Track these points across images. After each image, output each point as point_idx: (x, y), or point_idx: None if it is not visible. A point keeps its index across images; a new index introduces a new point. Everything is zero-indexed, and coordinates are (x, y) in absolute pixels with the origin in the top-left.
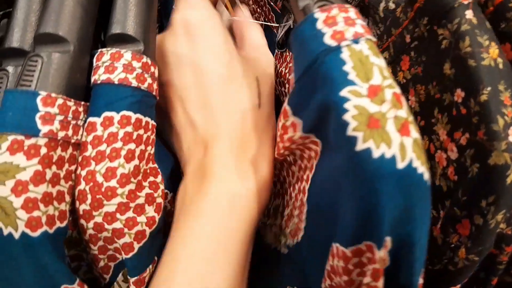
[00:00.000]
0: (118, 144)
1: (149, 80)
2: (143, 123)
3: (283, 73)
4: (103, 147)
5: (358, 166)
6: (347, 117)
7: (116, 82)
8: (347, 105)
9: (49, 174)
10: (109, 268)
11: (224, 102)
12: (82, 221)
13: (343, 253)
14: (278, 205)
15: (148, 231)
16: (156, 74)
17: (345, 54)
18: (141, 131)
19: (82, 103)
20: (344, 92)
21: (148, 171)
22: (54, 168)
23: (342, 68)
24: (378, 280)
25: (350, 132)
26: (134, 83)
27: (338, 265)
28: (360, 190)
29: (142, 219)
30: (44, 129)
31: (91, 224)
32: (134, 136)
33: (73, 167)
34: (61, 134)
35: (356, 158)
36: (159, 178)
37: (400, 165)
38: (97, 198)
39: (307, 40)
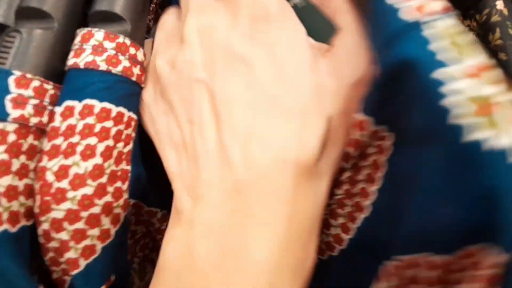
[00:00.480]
0: (75, 139)
1: (125, 63)
2: (113, 114)
3: None
4: (58, 141)
5: (464, 160)
6: (446, 103)
7: (81, 67)
8: (443, 89)
9: (16, 164)
10: (64, 282)
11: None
12: (37, 226)
13: (438, 262)
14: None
15: (99, 246)
16: (140, 57)
17: (428, 32)
18: (109, 123)
19: (61, 86)
20: (437, 74)
21: (119, 173)
22: (23, 158)
23: (427, 47)
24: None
25: (451, 120)
26: (103, 66)
27: (429, 276)
28: (469, 186)
29: (93, 232)
30: (14, 113)
31: (40, 231)
32: (96, 129)
33: None
34: (34, 120)
35: (461, 151)
36: (125, 185)
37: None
38: (45, 201)
39: (375, 16)
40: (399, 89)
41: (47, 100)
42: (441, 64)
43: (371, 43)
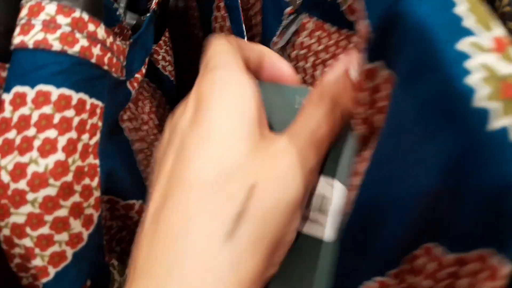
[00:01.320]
0: (31, 132)
1: (83, 42)
2: (74, 102)
3: (304, 45)
4: (11, 134)
5: (489, 150)
6: (472, 81)
7: (30, 46)
8: (469, 64)
9: None
10: (37, 287)
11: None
12: None
13: (439, 258)
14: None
15: (70, 252)
16: (101, 35)
17: None
18: (70, 113)
19: (7, 65)
20: (462, 45)
21: (86, 169)
22: None
23: (452, 10)
24: None
25: (477, 102)
26: (56, 46)
27: (428, 267)
28: (485, 181)
29: (61, 237)
30: None
31: (1, 237)
32: (56, 120)
33: None
34: None
35: (486, 139)
36: (95, 182)
37: None
38: (2, 204)
39: None
40: (414, 56)
41: None
42: (468, 32)
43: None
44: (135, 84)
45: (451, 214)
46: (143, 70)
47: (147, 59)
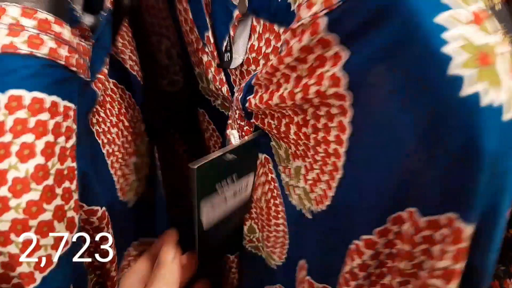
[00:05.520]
0: (7, 138)
1: (50, 44)
2: (47, 105)
3: (255, 47)
4: None
5: (461, 115)
6: (448, 50)
7: None
8: (446, 36)
9: None
10: None
11: None
12: None
13: (416, 222)
14: (299, 167)
15: (55, 255)
16: (65, 35)
17: None
18: (44, 116)
19: None
20: (440, 19)
21: (66, 172)
22: None
23: None
24: (459, 262)
25: (453, 70)
26: (24, 49)
27: (408, 231)
28: (456, 146)
29: (47, 241)
30: None
31: None
32: (31, 124)
33: None
34: None
35: (459, 104)
36: (74, 185)
37: (507, 116)
38: None
39: None
40: (392, 30)
41: None
42: (445, 7)
43: None
44: (100, 85)
45: (425, 177)
46: (105, 70)
47: (107, 59)
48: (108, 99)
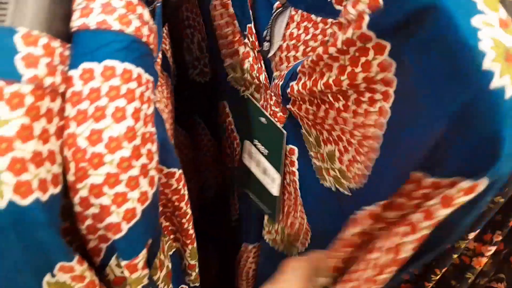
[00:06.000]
0: (103, 101)
1: (135, 23)
2: (134, 75)
3: (294, 35)
4: (84, 105)
5: (489, 105)
6: (482, 47)
7: (93, 27)
8: (480, 35)
9: (38, 129)
10: (100, 250)
11: None
12: (71, 194)
13: (420, 180)
14: (333, 150)
15: (139, 208)
16: (146, 17)
17: None
18: (133, 85)
19: (68, 45)
20: (475, 20)
21: (148, 135)
22: (43, 121)
23: None
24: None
25: (486, 64)
26: (116, 26)
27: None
28: (482, 130)
29: (134, 194)
30: (27, 73)
31: (77, 199)
32: (123, 91)
33: (63, 122)
34: (48, 81)
35: (489, 95)
36: (155, 147)
37: None
38: (81, 167)
39: None
40: (432, 29)
41: (57, 59)
42: (479, 12)
43: None
44: (158, 67)
45: (445, 151)
46: (160, 56)
47: (161, 47)
48: (161, 81)
